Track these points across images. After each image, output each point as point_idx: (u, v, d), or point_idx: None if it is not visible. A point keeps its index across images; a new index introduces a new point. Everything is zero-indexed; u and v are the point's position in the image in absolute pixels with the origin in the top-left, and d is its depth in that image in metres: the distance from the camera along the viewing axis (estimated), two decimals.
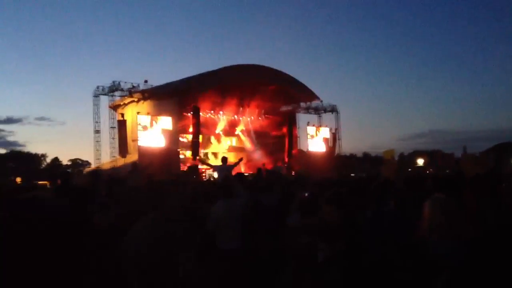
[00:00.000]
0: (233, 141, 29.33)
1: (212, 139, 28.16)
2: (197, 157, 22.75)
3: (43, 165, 62.78)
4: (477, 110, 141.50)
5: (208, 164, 20.64)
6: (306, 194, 5.32)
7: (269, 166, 23.90)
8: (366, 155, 64.19)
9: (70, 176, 7.36)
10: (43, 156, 65.21)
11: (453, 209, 4.24)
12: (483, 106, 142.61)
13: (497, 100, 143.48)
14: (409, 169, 25.54)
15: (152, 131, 23.05)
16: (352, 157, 51.43)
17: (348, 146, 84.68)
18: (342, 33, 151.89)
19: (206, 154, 27.05)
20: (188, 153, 24.93)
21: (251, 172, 20.94)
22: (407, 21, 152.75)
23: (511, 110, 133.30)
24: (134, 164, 19.80)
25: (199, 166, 22.13)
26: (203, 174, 22.29)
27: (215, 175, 16.72)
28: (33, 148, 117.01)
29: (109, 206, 4.76)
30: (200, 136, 24.70)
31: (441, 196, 4.43)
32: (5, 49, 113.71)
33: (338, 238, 4.28)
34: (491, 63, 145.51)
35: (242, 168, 24.85)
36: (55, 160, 63.88)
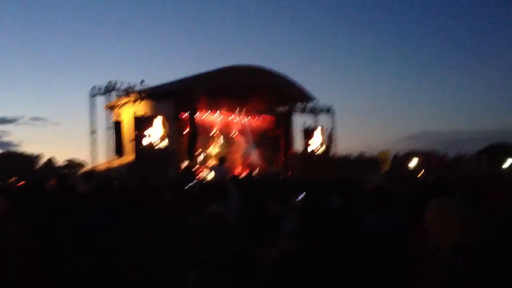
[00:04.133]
0: (229, 142, 29.38)
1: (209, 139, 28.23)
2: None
3: (38, 166, 62.64)
4: (471, 111, 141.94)
5: (209, 167, 20.71)
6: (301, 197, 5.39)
7: (264, 168, 24.02)
8: (361, 156, 64.22)
9: (67, 178, 7.42)
10: (38, 156, 65.09)
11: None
12: (476, 107, 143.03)
13: (490, 101, 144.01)
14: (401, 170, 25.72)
15: (149, 132, 23.13)
16: (347, 158, 51.51)
17: (344, 147, 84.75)
18: (338, 34, 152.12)
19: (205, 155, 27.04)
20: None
21: (247, 173, 21.06)
22: (402, 22, 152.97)
23: (503, 111, 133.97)
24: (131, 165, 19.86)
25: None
26: (198, 175, 22.37)
27: (210, 176, 16.83)
28: (28, 148, 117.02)
29: None
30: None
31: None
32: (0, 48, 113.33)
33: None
34: (484, 65, 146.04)
35: (238, 169, 24.97)
36: (51, 160, 63.78)
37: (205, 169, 21.98)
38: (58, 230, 4.23)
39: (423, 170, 26.66)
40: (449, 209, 2.94)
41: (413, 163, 36.91)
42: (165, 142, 23.66)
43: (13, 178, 25.74)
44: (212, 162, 23.39)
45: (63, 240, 4.14)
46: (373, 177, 5.67)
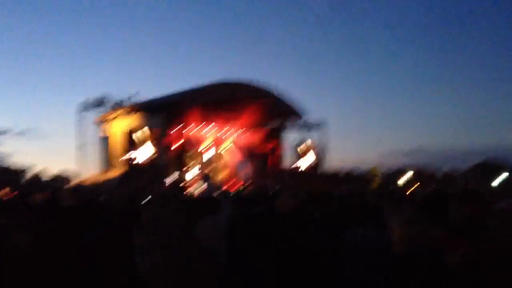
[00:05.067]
0: (219, 156, 29.28)
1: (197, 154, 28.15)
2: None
3: (26, 179, 62.07)
4: (464, 127, 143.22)
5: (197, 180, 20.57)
6: None
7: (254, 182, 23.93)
8: (352, 171, 64.39)
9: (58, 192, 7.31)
10: (26, 169, 64.50)
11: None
12: (469, 123, 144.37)
13: (484, 117, 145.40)
14: (391, 187, 25.78)
15: (138, 146, 23.03)
16: (338, 173, 51.63)
17: (335, 162, 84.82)
18: (330, 48, 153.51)
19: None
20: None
21: (237, 187, 20.94)
22: (393, 38, 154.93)
23: (497, 127, 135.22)
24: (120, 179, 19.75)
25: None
26: (187, 190, 22.24)
27: (198, 190, 16.76)
28: (16, 161, 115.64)
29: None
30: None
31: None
32: None
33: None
34: (476, 81, 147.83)
35: (228, 184, 24.82)
36: (39, 173, 63.25)
37: (193, 184, 21.87)
38: (64, 238, 4.10)
39: (415, 185, 26.72)
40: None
41: (405, 178, 37.06)
42: (154, 157, 23.57)
43: (7, 190, 25.41)
44: (200, 177, 23.28)
45: (69, 248, 4.01)
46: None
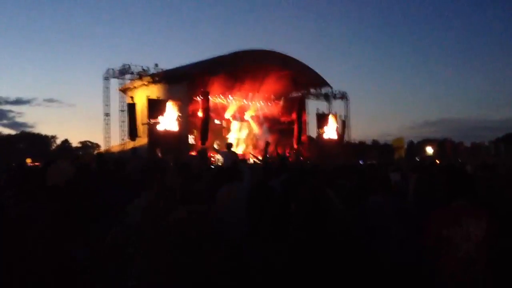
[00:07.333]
0: (242, 127, 29.24)
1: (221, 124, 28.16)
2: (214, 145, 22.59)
3: (53, 147, 63.26)
4: (488, 99, 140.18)
5: (217, 151, 20.54)
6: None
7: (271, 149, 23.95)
8: (375, 143, 63.98)
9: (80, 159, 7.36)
10: (53, 137, 65.61)
11: None
12: (494, 95, 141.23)
13: (508, 90, 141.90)
14: (417, 158, 25.47)
15: (161, 115, 23.14)
16: (361, 144, 51.32)
17: (358, 133, 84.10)
18: (353, 19, 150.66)
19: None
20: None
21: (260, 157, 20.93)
22: (419, 8, 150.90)
23: None
24: (134, 150, 20.04)
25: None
26: (212, 159, 22.34)
27: (219, 160, 16.84)
28: (42, 129, 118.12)
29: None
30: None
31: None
32: (15, 29, 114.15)
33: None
34: (502, 52, 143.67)
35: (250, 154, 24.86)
36: (65, 142, 64.32)
37: (216, 153, 21.95)
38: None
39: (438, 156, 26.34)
40: None
41: (429, 151, 36.56)
42: (178, 126, 23.68)
43: (29, 159, 25.99)
44: (222, 146, 23.30)
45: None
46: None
